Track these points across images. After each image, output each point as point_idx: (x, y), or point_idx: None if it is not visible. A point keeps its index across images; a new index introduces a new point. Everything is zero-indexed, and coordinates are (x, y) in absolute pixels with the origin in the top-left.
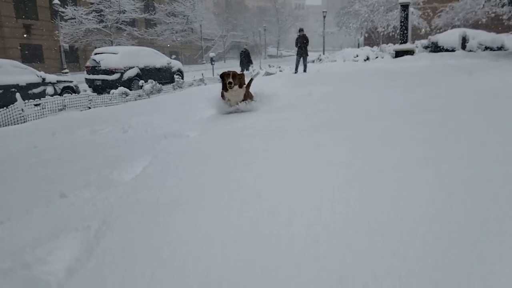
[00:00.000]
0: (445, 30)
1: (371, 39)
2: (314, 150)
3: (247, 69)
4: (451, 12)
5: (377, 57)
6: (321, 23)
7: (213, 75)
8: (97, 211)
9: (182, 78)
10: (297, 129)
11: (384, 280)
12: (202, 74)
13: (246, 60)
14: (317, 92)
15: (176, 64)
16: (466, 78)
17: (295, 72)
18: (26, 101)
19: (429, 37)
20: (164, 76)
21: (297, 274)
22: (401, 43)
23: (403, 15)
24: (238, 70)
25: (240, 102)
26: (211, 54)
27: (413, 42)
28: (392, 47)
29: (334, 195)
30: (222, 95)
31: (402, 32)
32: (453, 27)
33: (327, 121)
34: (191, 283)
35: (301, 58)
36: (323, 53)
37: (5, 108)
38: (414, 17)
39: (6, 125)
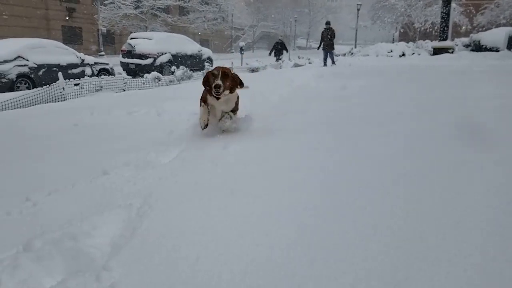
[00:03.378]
0: (488, 29)
1: (407, 35)
2: (348, 143)
3: (279, 59)
4: (496, 9)
5: (413, 54)
6: (355, 16)
7: (241, 64)
8: (137, 190)
9: (212, 66)
10: (335, 122)
11: None
12: (232, 63)
13: (280, 50)
14: (351, 86)
15: (206, 52)
16: (506, 80)
17: (324, 65)
18: (67, 80)
19: (471, 35)
20: (194, 63)
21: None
22: (440, 40)
23: (444, 11)
24: (268, 60)
25: (227, 114)
26: (241, 44)
27: (453, 40)
28: (430, 44)
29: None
30: (204, 100)
31: (442, 29)
32: (497, 25)
33: (363, 116)
34: (237, 269)
35: (328, 52)
36: (355, 47)
37: (48, 86)
38: (455, 14)
39: (47, 102)
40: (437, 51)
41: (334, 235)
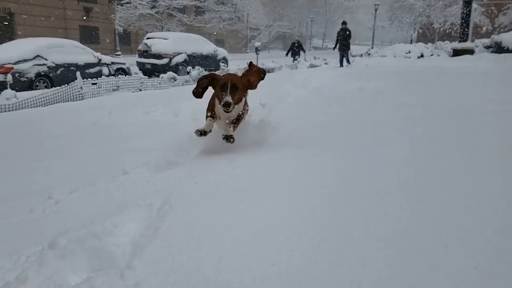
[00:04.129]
0: (510, 29)
1: (425, 35)
2: (372, 148)
3: (296, 59)
4: None
5: (432, 55)
6: (372, 16)
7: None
8: (157, 190)
9: (227, 66)
10: (353, 124)
11: None
12: (247, 63)
13: (297, 50)
14: (368, 88)
15: (221, 52)
16: None
17: (340, 66)
18: (84, 79)
19: (492, 36)
20: (210, 63)
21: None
22: (460, 41)
23: (465, 11)
24: (284, 60)
25: (232, 122)
26: (257, 44)
27: (473, 41)
28: (450, 45)
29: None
30: (211, 109)
31: (462, 30)
32: None
33: (379, 120)
34: (259, 272)
35: (344, 53)
36: (372, 48)
37: (66, 85)
38: (476, 14)
39: (66, 101)
40: (457, 53)
41: (355, 240)
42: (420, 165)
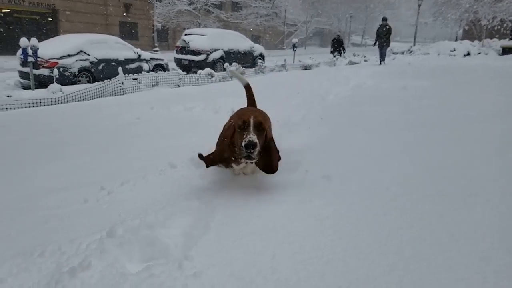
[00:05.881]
0: None
1: (471, 33)
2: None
3: (335, 56)
4: None
5: (479, 53)
6: (414, 12)
7: (293, 62)
8: (205, 184)
9: (264, 63)
10: (398, 126)
11: None
12: (285, 60)
13: (338, 46)
14: (412, 87)
15: (258, 49)
16: None
17: (380, 64)
18: (125, 75)
19: None
20: (246, 60)
21: None
22: (510, 38)
23: None
24: (322, 57)
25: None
26: (294, 40)
27: None
28: (499, 43)
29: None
30: (223, 159)
31: None
32: None
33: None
34: (314, 269)
35: (383, 49)
36: (414, 45)
37: (108, 80)
38: None
39: (108, 96)
40: (506, 51)
41: (412, 242)
42: (475, 168)
